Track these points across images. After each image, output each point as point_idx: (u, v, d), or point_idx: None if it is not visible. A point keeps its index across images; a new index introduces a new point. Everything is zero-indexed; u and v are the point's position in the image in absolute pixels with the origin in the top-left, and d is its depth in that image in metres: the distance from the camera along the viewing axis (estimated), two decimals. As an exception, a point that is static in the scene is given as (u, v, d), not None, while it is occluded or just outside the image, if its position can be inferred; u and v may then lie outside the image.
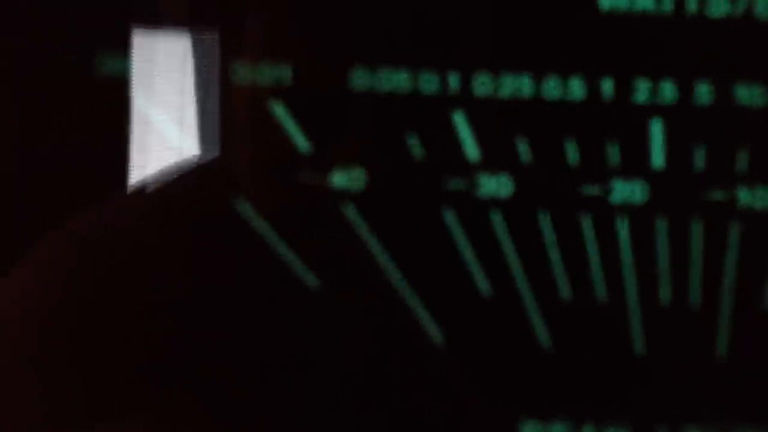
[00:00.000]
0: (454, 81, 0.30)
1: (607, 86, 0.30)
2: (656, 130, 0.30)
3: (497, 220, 0.30)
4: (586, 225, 0.30)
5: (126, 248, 0.31)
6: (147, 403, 0.31)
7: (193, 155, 0.31)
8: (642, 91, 0.29)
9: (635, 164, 0.30)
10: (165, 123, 0.31)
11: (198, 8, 0.31)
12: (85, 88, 0.31)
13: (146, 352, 0.31)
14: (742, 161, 0.30)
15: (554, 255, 0.30)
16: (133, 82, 0.31)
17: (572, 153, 0.30)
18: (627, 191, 0.30)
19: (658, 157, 0.30)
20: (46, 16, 0.31)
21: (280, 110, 0.30)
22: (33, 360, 0.31)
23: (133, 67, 0.31)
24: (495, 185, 0.30)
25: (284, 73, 0.30)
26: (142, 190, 0.31)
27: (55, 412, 0.31)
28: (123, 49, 0.31)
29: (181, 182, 0.31)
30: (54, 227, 0.31)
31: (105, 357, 0.31)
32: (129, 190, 0.31)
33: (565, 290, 0.30)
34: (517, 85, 0.30)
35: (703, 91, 0.29)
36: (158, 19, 0.31)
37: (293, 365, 0.31)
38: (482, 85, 0.30)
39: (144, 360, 0.31)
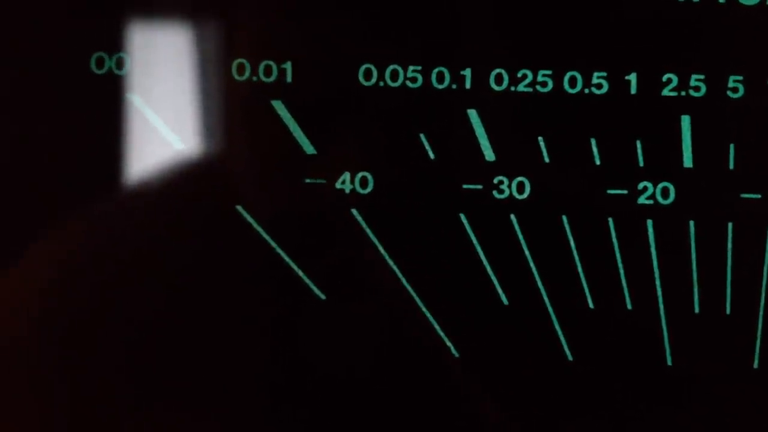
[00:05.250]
0: (467, 76, 0.28)
1: (633, 80, 0.28)
2: (685, 127, 0.28)
3: (516, 224, 0.29)
4: (612, 229, 0.28)
5: (124, 253, 0.30)
6: (145, 410, 0.30)
7: (193, 157, 0.30)
8: (670, 85, 0.28)
9: (663, 163, 0.28)
10: (163, 124, 0.30)
11: (198, 4, 0.30)
12: (82, 88, 0.30)
13: (144, 357, 0.30)
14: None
15: (577, 261, 0.29)
16: (131, 82, 0.30)
17: (596, 152, 0.28)
18: (655, 192, 0.28)
19: (687, 156, 0.28)
20: (42, 14, 0.30)
21: (282, 110, 0.29)
22: (30, 361, 0.31)
23: (131, 66, 0.30)
24: (513, 187, 0.29)
25: (287, 71, 0.29)
26: (140, 193, 0.30)
27: (54, 413, 0.31)
28: (120, 47, 0.30)
29: (180, 186, 0.30)
30: (51, 228, 0.30)
31: (102, 361, 0.30)
32: (126, 193, 0.30)
33: (589, 298, 0.29)
34: (535, 79, 0.28)
35: (736, 86, 0.28)
36: (156, 16, 0.30)
37: (299, 375, 0.30)
38: (498, 80, 0.28)
39: (141, 366, 0.30)
